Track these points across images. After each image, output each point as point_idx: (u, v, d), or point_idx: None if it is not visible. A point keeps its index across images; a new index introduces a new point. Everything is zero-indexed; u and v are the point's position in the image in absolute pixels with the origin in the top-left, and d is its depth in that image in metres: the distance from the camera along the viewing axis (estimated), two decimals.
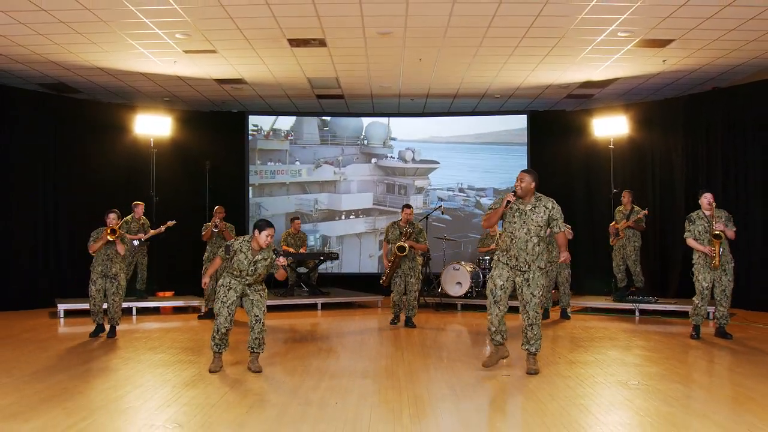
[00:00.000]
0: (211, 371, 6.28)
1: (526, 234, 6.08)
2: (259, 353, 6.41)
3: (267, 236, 6.20)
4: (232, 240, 6.42)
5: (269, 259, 6.29)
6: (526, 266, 6.09)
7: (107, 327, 8.52)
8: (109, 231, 8.23)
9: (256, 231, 6.22)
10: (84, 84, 11.38)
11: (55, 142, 11.74)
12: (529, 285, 6.09)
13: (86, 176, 12.01)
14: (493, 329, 6.25)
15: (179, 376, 6.20)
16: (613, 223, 10.75)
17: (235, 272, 6.28)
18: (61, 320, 9.97)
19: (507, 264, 6.18)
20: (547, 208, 6.11)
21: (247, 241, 6.29)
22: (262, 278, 6.42)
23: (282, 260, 6.30)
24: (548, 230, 9.20)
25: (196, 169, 12.80)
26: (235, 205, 13.05)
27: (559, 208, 6.19)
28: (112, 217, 8.32)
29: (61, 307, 10.23)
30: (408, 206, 9.34)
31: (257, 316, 6.32)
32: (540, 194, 6.19)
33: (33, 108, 11.49)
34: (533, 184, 6.10)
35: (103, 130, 12.26)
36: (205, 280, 6.68)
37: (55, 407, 5.07)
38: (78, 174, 11.95)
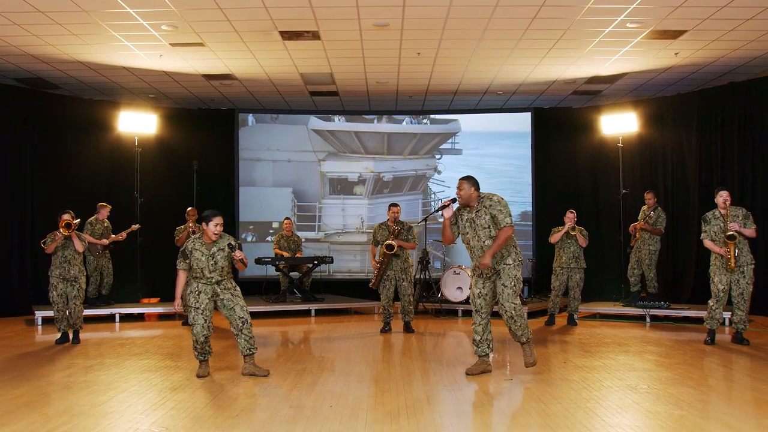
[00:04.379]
0: (198, 376, 6.35)
1: (478, 241, 6.22)
2: (254, 354, 6.47)
3: (215, 226, 6.30)
4: (184, 244, 6.49)
5: (225, 249, 6.36)
6: (490, 272, 6.20)
7: (70, 334, 8.59)
8: (63, 225, 8.25)
9: (204, 224, 6.33)
10: (64, 79, 11.44)
11: (32, 141, 11.78)
12: (500, 278, 6.20)
13: (66, 176, 12.06)
14: (478, 338, 6.39)
15: (166, 380, 6.26)
16: (635, 223, 10.79)
17: (198, 274, 6.34)
18: (39, 327, 10.00)
19: (475, 273, 6.34)
20: (486, 207, 6.19)
21: (198, 238, 6.41)
22: (227, 272, 6.46)
23: (238, 254, 6.32)
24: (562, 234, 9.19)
25: (183, 169, 12.82)
26: (225, 207, 13.09)
27: (500, 200, 6.22)
28: (66, 217, 8.35)
29: (39, 314, 10.25)
30: (395, 204, 9.47)
31: (242, 317, 6.35)
32: (483, 194, 6.28)
33: (9, 104, 11.53)
34: (472, 189, 6.23)
35: (84, 128, 12.32)
36: (178, 301, 6.54)
37: (33, 412, 5.12)
38: (57, 174, 11.99)
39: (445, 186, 13.50)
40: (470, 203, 6.26)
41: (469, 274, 6.50)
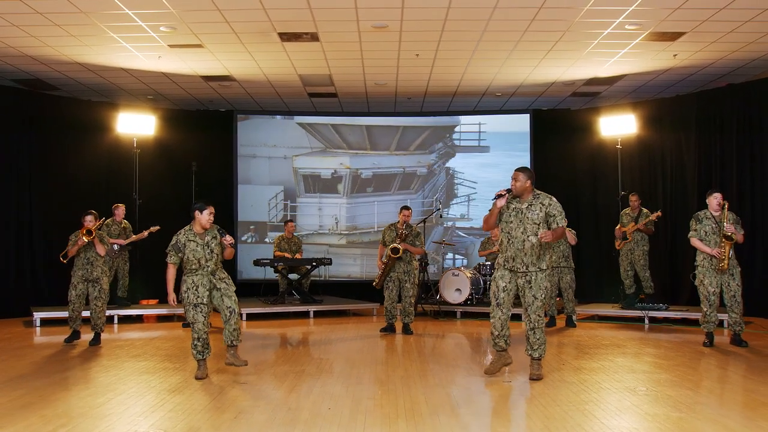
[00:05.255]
0: (197, 378, 6.36)
1: (522, 233, 6.17)
2: (237, 345, 6.58)
3: (209, 214, 6.44)
4: (173, 239, 6.52)
5: (217, 237, 6.51)
6: (524, 268, 6.18)
7: (92, 334, 8.57)
8: (84, 232, 8.29)
9: (197, 213, 6.43)
10: (62, 80, 11.45)
11: (31, 142, 11.78)
12: (531, 287, 6.18)
13: (64, 178, 12.06)
14: (496, 333, 6.34)
15: (164, 382, 6.27)
16: (619, 226, 10.83)
17: (194, 266, 6.40)
18: (37, 329, 10.01)
19: (505, 266, 6.29)
20: (543, 205, 6.19)
21: (188, 230, 6.48)
22: (220, 260, 6.57)
23: (229, 239, 6.50)
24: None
25: (182, 170, 12.84)
26: (224, 208, 13.08)
27: (558, 204, 6.25)
28: (88, 219, 8.38)
29: (37, 315, 10.27)
30: (406, 207, 9.49)
31: (230, 307, 6.46)
32: (539, 191, 6.29)
33: (8, 106, 11.52)
34: (528, 182, 6.21)
35: (82, 129, 12.32)
36: (173, 296, 6.53)
37: (31, 414, 5.12)
38: (55, 175, 11.99)
39: (473, 188, 13.30)
40: (523, 195, 6.24)
41: (499, 263, 6.40)
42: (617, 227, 10.88)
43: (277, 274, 12.08)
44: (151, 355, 7.81)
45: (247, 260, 11.92)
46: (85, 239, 8.28)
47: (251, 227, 13.45)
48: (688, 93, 12.16)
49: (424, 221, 11.67)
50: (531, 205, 6.20)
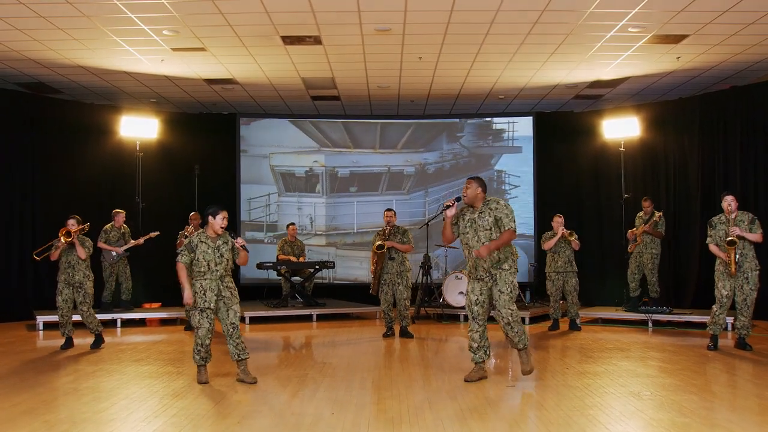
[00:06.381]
0: (200, 382, 6.34)
1: (477, 242, 6.21)
2: (246, 359, 6.48)
3: (222, 219, 6.44)
4: (187, 239, 6.54)
5: (229, 242, 6.50)
6: (487, 274, 6.21)
7: (92, 337, 8.55)
8: (63, 233, 8.28)
9: (210, 218, 6.43)
10: (65, 83, 11.45)
11: (34, 145, 11.78)
12: (497, 284, 6.20)
13: (67, 181, 12.05)
14: (475, 345, 6.38)
15: (167, 387, 6.26)
16: (633, 229, 10.82)
17: (203, 268, 6.37)
18: (41, 333, 10.00)
19: (471, 275, 6.35)
20: (491, 209, 6.22)
21: (202, 232, 6.49)
22: (230, 267, 6.55)
23: (240, 241, 6.53)
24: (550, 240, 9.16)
25: (185, 173, 12.84)
26: (227, 211, 13.05)
27: (506, 205, 6.28)
28: (71, 223, 8.37)
29: (41, 319, 10.25)
30: (388, 209, 9.49)
31: (233, 323, 6.40)
32: (490, 198, 6.33)
33: (10, 109, 11.53)
34: (480, 190, 6.27)
35: (85, 133, 12.32)
36: (189, 292, 6.43)
37: (35, 420, 5.11)
38: (58, 179, 11.99)
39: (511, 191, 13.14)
40: (475, 204, 6.28)
41: (465, 275, 6.49)
42: (630, 231, 10.88)
43: (280, 277, 12.08)
44: (155, 359, 7.81)
45: (250, 263, 11.85)
46: (62, 239, 8.27)
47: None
48: (692, 95, 12.13)
49: (427, 223, 11.63)
50: (481, 212, 6.24)
